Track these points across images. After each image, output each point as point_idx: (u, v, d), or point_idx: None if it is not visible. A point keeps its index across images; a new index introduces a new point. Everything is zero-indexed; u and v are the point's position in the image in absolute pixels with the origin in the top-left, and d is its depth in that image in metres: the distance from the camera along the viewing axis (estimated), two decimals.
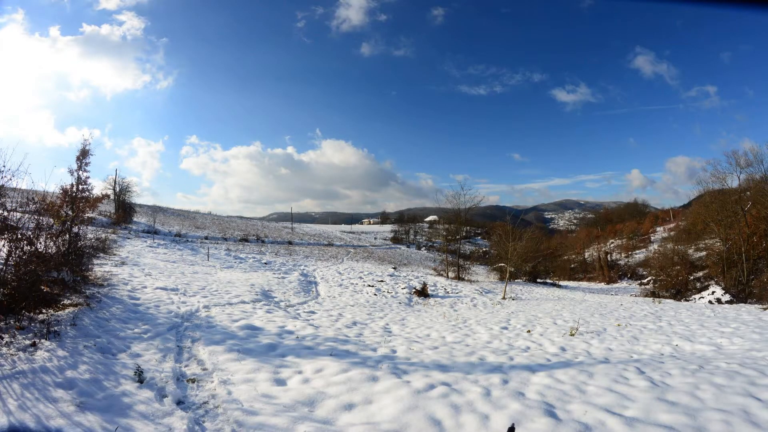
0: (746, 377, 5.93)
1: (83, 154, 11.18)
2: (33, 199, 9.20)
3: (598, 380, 6.14)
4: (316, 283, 21.79)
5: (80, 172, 10.99)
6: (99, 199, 12.81)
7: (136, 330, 8.04)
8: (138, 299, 10.85)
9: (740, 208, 30.40)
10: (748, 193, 31.67)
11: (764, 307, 19.64)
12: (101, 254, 15.71)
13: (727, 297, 24.90)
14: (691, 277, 32.73)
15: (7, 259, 7.07)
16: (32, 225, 8.07)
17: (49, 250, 8.51)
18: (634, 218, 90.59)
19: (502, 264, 33.22)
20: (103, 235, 18.62)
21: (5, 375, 4.81)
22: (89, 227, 12.69)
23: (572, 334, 11.15)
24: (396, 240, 79.02)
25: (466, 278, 32.99)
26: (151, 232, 33.97)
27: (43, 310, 7.48)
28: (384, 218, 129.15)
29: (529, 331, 11.91)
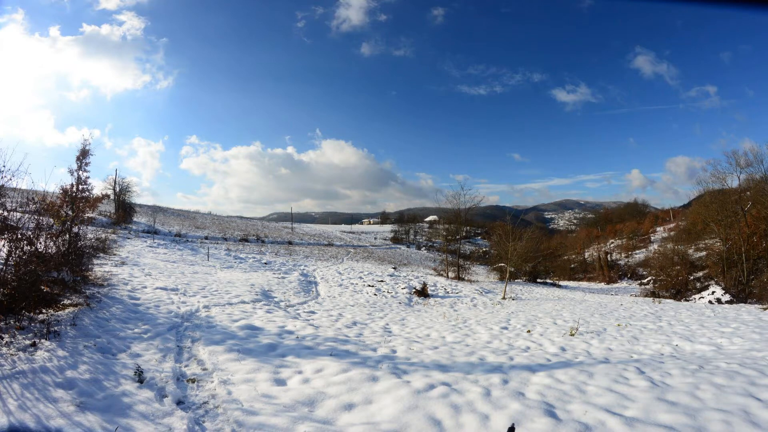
0: (746, 377, 5.93)
1: (83, 154, 11.18)
2: (33, 199, 9.21)
3: (598, 380, 6.14)
4: (316, 283, 21.75)
5: (80, 172, 11.00)
6: (99, 199, 12.81)
7: (136, 330, 8.02)
8: (138, 299, 10.84)
9: (740, 208, 30.45)
10: (748, 193, 31.73)
11: (764, 307, 19.65)
12: (101, 254, 15.70)
13: (727, 297, 24.91)
14: (691, 277, 32.73)
15: (7, 259, 7.06)
16: (32, 225, 8.06)
17: (49, 250, 8.50)
18: (634, 218, 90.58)
19: (502, 264, 33.26)
20: (103, 235, 18.64)
21: (5, 375, 4.80)
22: (89, 227, 12.68)
23: (572, 334, 11.12)
24: (396, 240, 79.14)
25: (466, 278, 32.99)
26: (151, 232, 33.93)
27: (43, 310, 7.47)
28: (384, 218, 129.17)
29: (529, 331, 11.87)
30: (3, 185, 7.42)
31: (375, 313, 14.84)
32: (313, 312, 13.34)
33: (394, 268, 33.16)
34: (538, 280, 41.43)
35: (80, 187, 10.90)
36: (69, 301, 8.64)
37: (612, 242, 79.83)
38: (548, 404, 5.11)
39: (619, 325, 13.14)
